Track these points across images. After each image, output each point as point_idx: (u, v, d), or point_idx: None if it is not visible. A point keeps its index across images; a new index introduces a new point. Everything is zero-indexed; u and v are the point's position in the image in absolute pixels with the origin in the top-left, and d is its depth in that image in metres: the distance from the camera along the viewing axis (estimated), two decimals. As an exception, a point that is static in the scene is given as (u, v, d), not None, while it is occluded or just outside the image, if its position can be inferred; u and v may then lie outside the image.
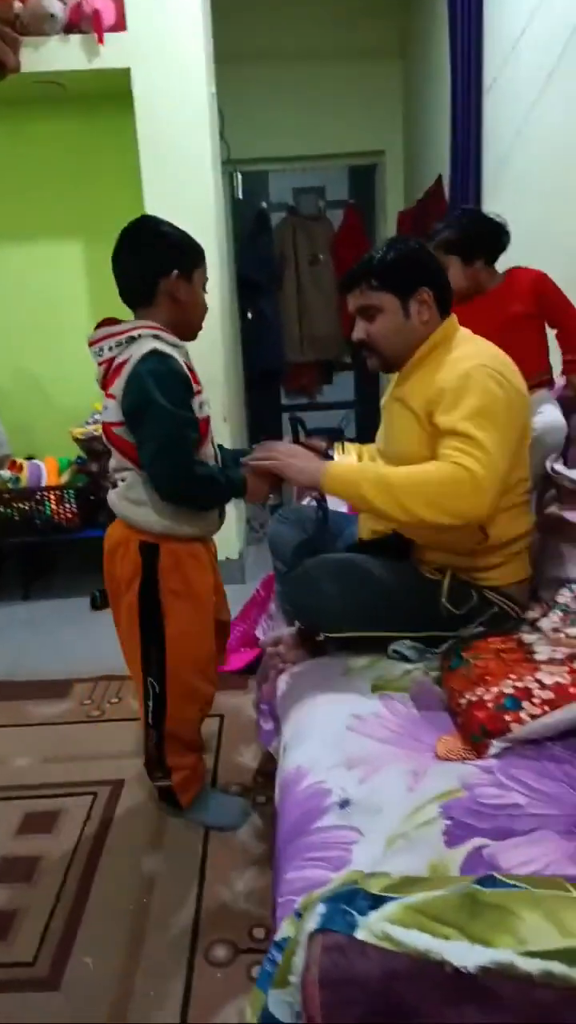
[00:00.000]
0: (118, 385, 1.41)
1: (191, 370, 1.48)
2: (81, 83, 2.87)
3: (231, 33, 3.79)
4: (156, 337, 1.43)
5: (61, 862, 1.57)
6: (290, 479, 1.50)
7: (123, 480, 1.49)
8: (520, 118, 2.53)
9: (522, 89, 2.49)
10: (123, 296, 1.52)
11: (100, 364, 1.48)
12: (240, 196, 4.62)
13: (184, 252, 1.50)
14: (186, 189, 2.84)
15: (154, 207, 2.83)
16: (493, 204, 2.80)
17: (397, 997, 0.61)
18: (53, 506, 2.99)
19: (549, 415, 1.84)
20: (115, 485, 1.51)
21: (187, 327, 1.52)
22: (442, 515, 1.35)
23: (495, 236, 2.03)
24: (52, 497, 2.99)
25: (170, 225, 1.52)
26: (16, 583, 3.19)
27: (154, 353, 1.40)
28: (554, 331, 2.01)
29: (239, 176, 4.60)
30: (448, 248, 2.02)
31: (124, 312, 1.54)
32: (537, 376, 2.02)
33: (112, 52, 2.74)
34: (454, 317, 1.57)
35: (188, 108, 2.80)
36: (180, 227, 1.52)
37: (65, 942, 1.37)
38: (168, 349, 1.43)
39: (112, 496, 1.52)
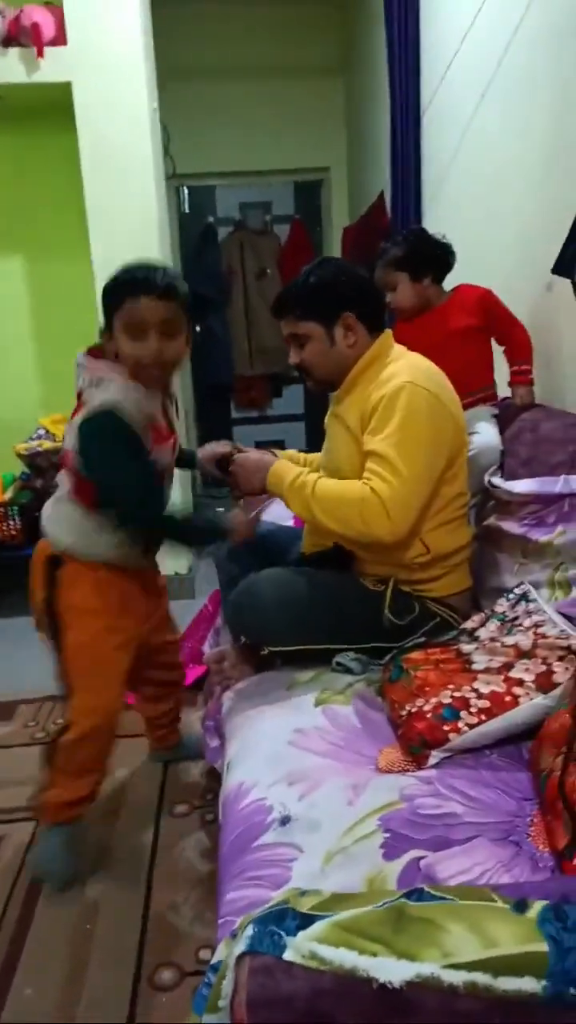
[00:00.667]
0: (76, 420, 1.40)
1: (155, 420, 1.44)
2: (20, 97, 2.85)
3: (176, 49, 3.81)
4: (121, 386, 1.37)
5: (1, 890, 1.53)
6: (241, 486, 1.59)
7: (56, 495, 1.51)
8: (456, 138, 2.60)
9: (457, 111, 2.56)
10: None
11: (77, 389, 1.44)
12: (187, 210, 4.64)
13: (106, 295, 1.38)
14: (129, 204, 2.83)
15: (97, 222, 2.82)
16: (431, 221, 2.87)
17: (324, 1016, 0.61)
18: (-4, 523, 2.93)
19: (484, 435, 1.88)
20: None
21: (136, 375, 1.39)
22: (349, 532, 1.45)
23: (442, 254, 2.06)
24: (-5, 514, 2.93)
25: (131, 263, 1.40)
26: (-40, 603, 3.11)
27: (104, 411, 1.35)
28: (502, 347, 2.05)
29: (185, 191, 4.61)
30: (397, 265, 2.05)
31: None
32: (481, 390, 2.06)
33: (52, 66, 2.72)
34: (388, 334, 1.60)
35: (130, 122, 2.79)
36: (128, 252, 1.49)
37: (5, 973, 1.33)
38: (128, 402, 1.36)
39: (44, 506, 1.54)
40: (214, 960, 0.77)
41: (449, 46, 2.55)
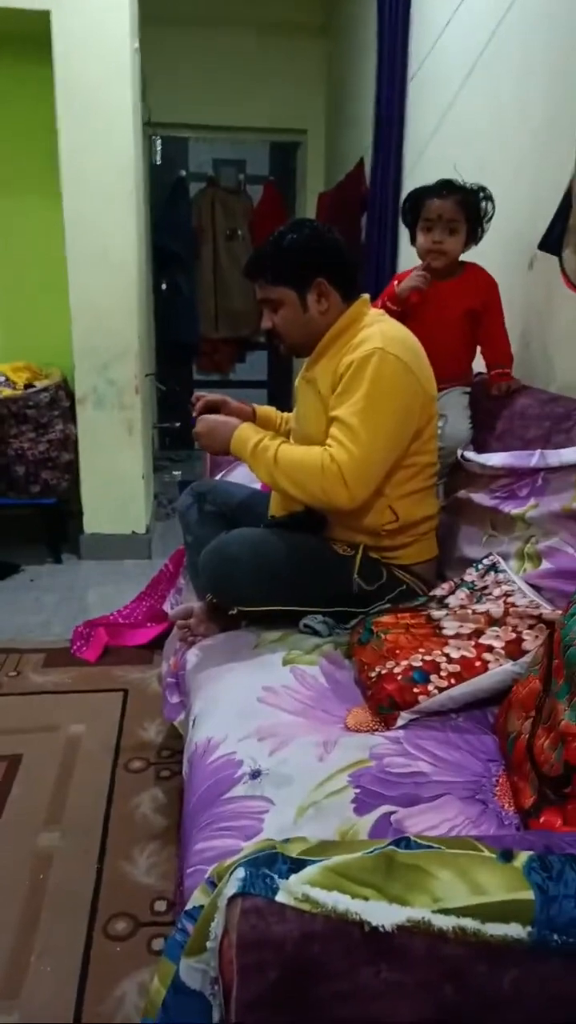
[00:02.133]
0: None
1: None
2: (-6, 21, 2.70)
3: (156, -9, 3.66)
4: None
5: (-49, 840, 1.50)
6: (205, 448, 1.61)
7: None
8: (441, 109, 2.57)
9: (445, 79, 2.52)
10: None
11: None
12: (158, 162, 4.50)
13: None
14: (105, 144, 2.73)
15: (71, 161, 2.71)
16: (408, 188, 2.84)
17: (313, 958, 0.61)
18: (-52, 471, 2.83)
19: (453, 422, 1.84)
20: None
21: None
22: (309, 498, 1.48)
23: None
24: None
25: None
26: None
27: None
28: (480, 347, 1.93)
29: (158, 141, 4.47)
30: (467, 208, 1.79)
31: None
32: (463, 376, 1.96)
33: (30, -9, 2.58)
34: (363, 299, 1.58)
35: (110, 59, 2.68)
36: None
37: (-45, 922, 1.31)
38: None
39: None
40: (190, 906, 0.77)
41: (443, 13, 2.51)
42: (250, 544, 1.50)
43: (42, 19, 2.61)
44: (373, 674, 1.27)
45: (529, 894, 0.63)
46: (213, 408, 1.67)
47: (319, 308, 1.53)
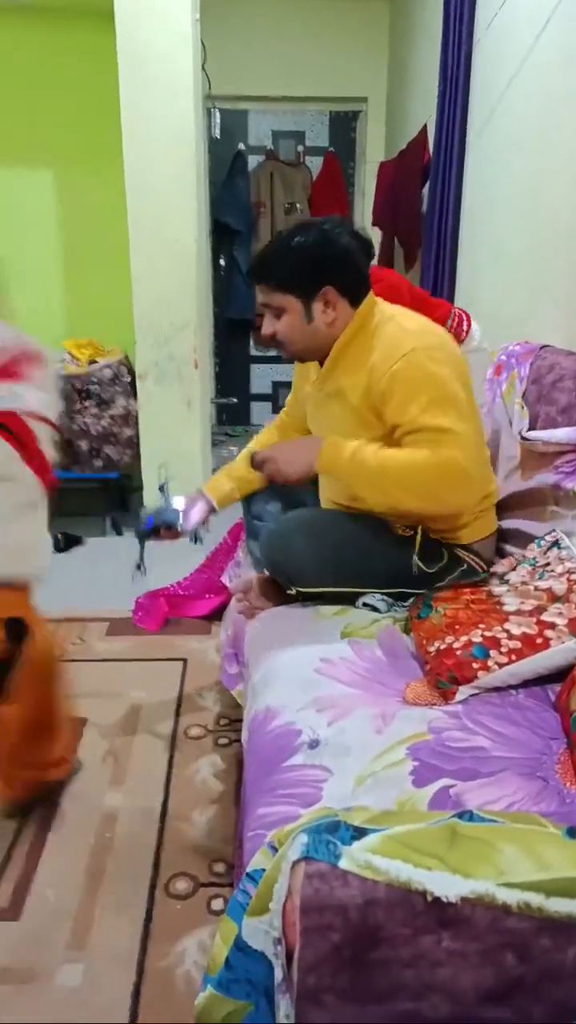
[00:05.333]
0: None
1: None
2: (56, -6, 2.72)
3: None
4: None
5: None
6: (286, 477, 1.46)
7: None
8: (510, 73, 2.48)
9: (515, 37, 2.43)
10: None
11: None
12: (217, 136, 4.47)
13: None
14: (166, 116, 2.72)
15: (132, 134, 2.71)
16: (476, 159, 2.76)
17: (375, 924, 0.62)
18: (14, 445, 2.91)
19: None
20: None
21: None
22: (432, 505, 1.40)
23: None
24: (14, 436, 2.91)
25: None
26: None
27: None
28: None
29: (217, 114, 4.43)
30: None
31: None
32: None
33: (91, -37, 2.59)
34: (370, 299, 1.49)
35: (173, 29, 2.66)
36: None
37: (26, 876, 1.37)
38: None
39: None
40: (251, 869, 0.79)
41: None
42: (309, 527, 1.50)
43: (104, -11, 2.61)
44: (432, 648, 1.26)
45: (595, 871, 0.63)
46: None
47: (325, 319, 1.45)
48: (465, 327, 1.81)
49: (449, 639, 1.25)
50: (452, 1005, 0.64)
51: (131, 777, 1.63)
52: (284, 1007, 0.66)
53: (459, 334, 1.80)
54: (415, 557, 1.50)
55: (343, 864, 0.63)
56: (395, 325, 1.45)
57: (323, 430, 1.60)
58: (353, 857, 0.63)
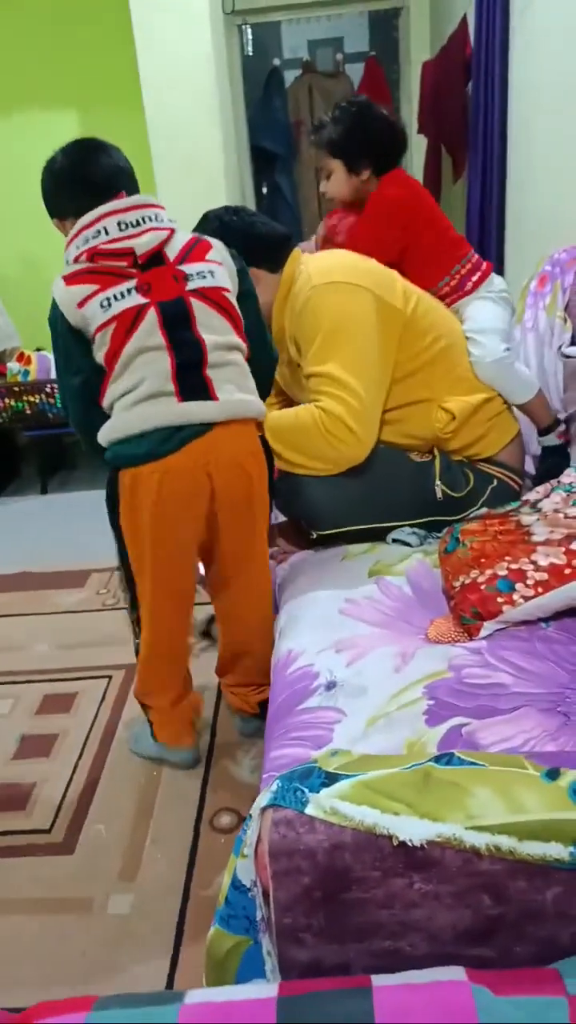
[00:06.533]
0: (215, 254, 1.30)
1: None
2: None
3: None
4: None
5: (77, 739, 1.65)
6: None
7: (234, 363, 1.28)
8: None
9: None
10: None
11: (152, 231, 1.26)
12: (250, 53, 4.25)
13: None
14: (182, 42, 2.60)
15: (148, 63, 2.61)
16: (518, 49, 2.52)
17: (344, 867, 0.62)
18: (65, 399, 2.97)
19: (479, 318, 1.63)
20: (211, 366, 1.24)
21: None
22: (311, 459, 1.39)
23: (387, 139, 1.70)
24: (63, 389, 2.96)
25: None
26: (34, 477, 3.22)
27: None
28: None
29: (248, 31, 4.21)
30: (332, 150, 1.71)
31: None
32: (443, 283, 1.71)
33: None
34: (292, 256, 1.49)
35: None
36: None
37: (79, 811, 1.45)
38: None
39: (223, 380, 1.25)
40: (252, 810, 0.80)
41: None
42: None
43: None
44: (457, 583, 1.22)
45: (572, 814, 0.61)
46: None
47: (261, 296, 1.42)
48: (475, 279, 1.67)
49: (474, 573, 1.21)
50: (431, 943, 0.64)
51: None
52: (266, 944, 0.67)
53: (463, 284, 1.67)
54: (437, 480, 1.46)
55: (309, 811, 0.63)
56: (304, 270, 1.45)
57: (289, 391, 1.65)
58: (320, 804, 0.63)
